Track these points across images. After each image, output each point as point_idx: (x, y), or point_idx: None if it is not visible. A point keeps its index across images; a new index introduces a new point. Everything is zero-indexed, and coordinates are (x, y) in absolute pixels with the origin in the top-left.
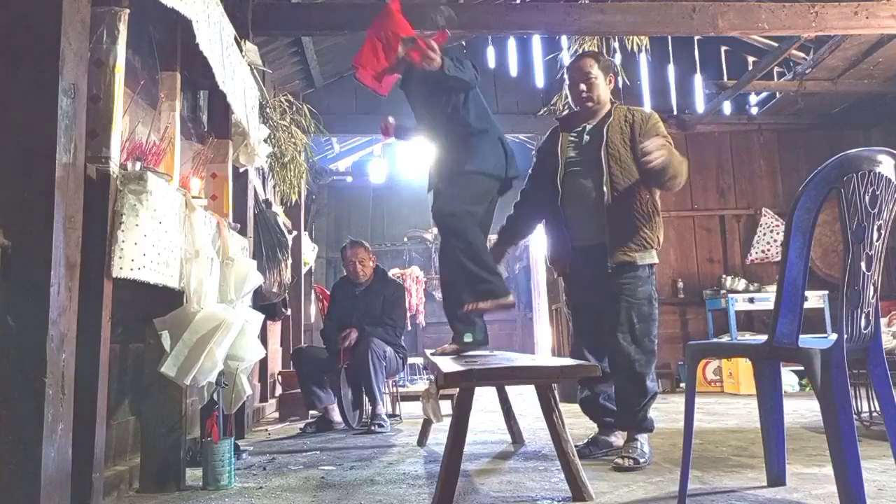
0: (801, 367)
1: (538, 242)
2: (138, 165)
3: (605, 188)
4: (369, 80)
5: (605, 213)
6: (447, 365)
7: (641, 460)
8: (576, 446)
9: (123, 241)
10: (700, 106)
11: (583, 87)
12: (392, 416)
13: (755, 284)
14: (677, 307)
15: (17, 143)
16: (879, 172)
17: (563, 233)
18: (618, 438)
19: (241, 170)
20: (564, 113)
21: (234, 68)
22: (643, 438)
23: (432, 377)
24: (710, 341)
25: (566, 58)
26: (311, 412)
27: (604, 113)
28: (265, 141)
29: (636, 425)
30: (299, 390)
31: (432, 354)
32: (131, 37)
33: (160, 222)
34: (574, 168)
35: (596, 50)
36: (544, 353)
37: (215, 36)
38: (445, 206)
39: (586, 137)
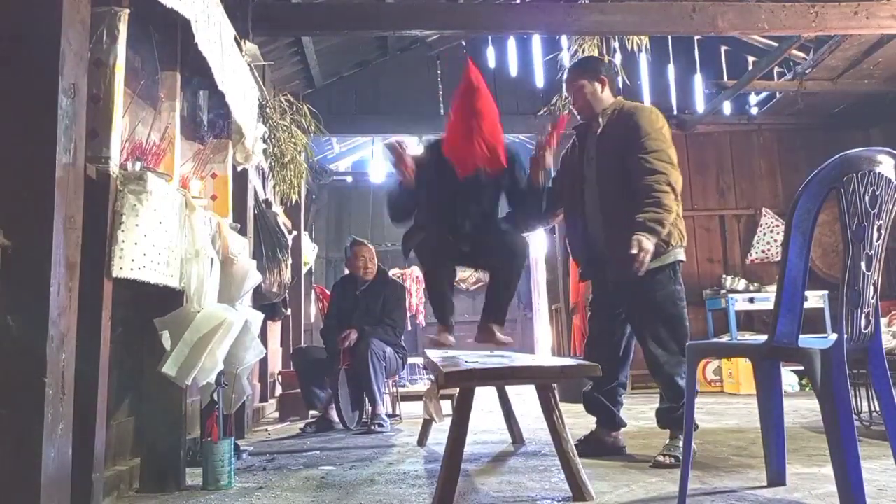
0: (801, 367)
1: (538, 243)
2: (138, 165)
3: (598, 204)
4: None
5: (601, 230)
6: (447, 365)
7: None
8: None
9: (123, 241)
10: (700, 106)
11: (574, 100)
12: (392, 416)
13: (755, 284)
14: None
15: (17, 143)
16: (879, 172)
17: (585, 242)
18: (614, 439)
19: (240, 168)
20: (580, 123)
21: (234, 68)
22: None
23: (433, 377)
24: (710, 341)
25: (566, 58)
26: (311, 412)
27: (601, 120)
28: (263, 139)
29: (675, 425)
30: (299, 390)
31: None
32: (131, 37)
33: (160, 222)
34: (589, 182)
35: (591, 55)
36: (544, 353)
37: (215, 36)
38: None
39: (590, 151)
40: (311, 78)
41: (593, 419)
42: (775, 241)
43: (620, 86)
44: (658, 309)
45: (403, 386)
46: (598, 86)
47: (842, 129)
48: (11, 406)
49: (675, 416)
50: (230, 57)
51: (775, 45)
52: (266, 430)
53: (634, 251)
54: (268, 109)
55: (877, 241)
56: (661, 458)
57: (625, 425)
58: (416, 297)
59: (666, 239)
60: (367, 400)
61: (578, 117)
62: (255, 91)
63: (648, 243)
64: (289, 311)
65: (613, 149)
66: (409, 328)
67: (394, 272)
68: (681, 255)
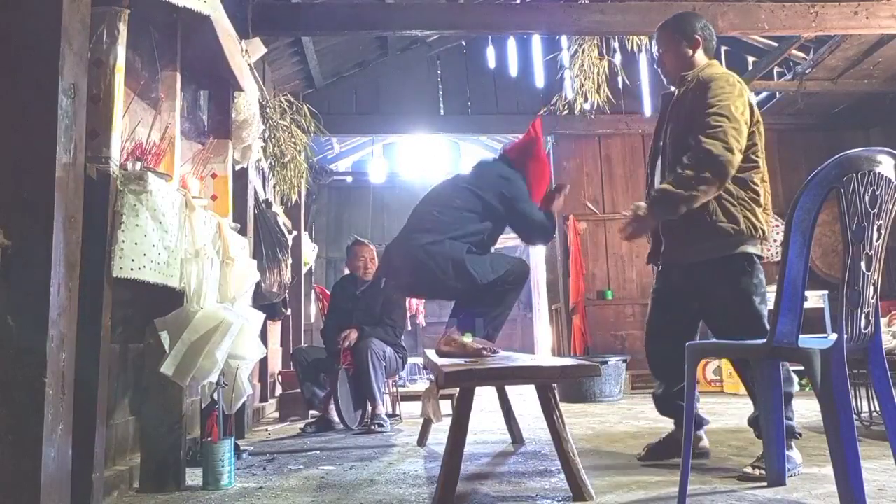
0: (801, 367)
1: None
2: (138, 165)
3: (662, 178)
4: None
5: None
6: (447, 365)
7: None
8: (648, 445)
9: (123, 241)
10: None
11: (660, 62)
12: (392, 416)
13: None
14: None
15: (17, 143)
16: (879, 172)
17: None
18: (698, 438)
19: (238, 167)
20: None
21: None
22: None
23: (432, 377)
24: (710, 341)
25: (566, 58)
26: (311, 412)
27: (680, 87)
28: (262, 139)
29: None
30: (299, 390)
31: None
32: (131, 37)
33: (160, 222)
34: (663, 154)
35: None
36: (544, 353)
37: (229, 31)
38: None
39: (668, 120)
40: (311, 78)
41: (592, 420)
42: (775, 241)
43: (620, 86)
44: (722, 306)
45: (403, 386)
46: (686, 47)
47: (842, 129)
48: (11, 406)
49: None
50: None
51: (775, 45)
52: (266, 430)
53: (627, 213)
54: (268, 109)
55: (877, 241)
56: (748, 470)
57: (707, 422)
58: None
59: (729, 231)
60: (367, 400)
61: (665, 81)
62: (256, 92)
63: (641, 211)
64: (289, 311)
65: (684, 118)
66: (409, 328)
67: None
68: (751, 248)
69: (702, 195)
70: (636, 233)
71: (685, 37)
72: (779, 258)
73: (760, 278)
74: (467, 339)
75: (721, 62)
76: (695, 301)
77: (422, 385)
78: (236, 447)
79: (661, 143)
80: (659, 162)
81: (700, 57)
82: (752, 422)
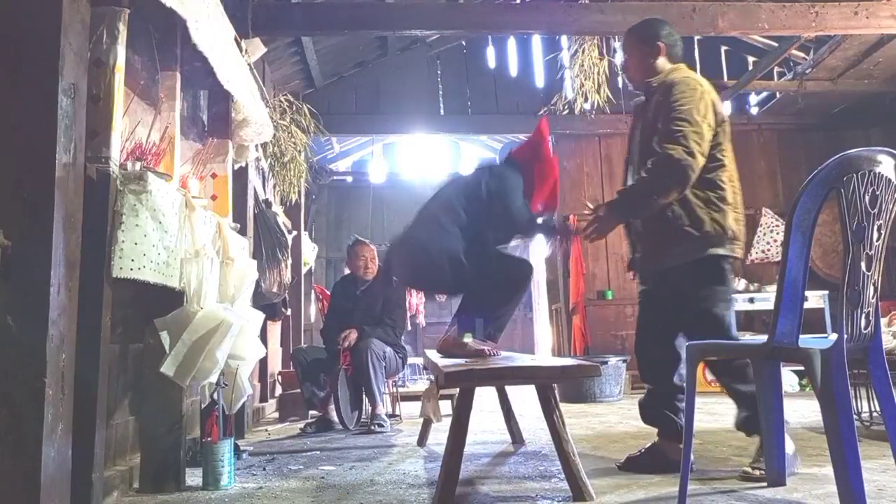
0: (801, 367)
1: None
2: (138, 165)
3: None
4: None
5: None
6: (447, 365)
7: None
8: (629, 456)
9: (123, 241)
10: None
11: (624, 69)
12: (392, 416)
13: (755, 284)
14: None
15: (17, 143)
16: (879, 172)
17: (627, 228)
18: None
19: (237, 167)
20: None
21: (237, 67)
22: None
23: (432, 377)
24: (710, 341)
25: (566, 58)
26: (311, 412)
27: (646, 94)
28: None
29: (753, 428)
30: (299, 390)
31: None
32: (131, 37)
33: (160, 222)
34: (633, 163)
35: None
36: (544, 353)
37: (217, 34)
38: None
39: (636, 129)
40: (311, 78)
41: (593, 420)
42: (775, 241)
43: (620, 86)
44: (695, 309)
45: (403, 386)
46: (648, 54)
47: (842, 129)
48: (11, 406)
49: (749, 415)
50: (231, 56)
51: (775, 45)
52: (266, 430)
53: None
54: (268, 109)
55: (877, 241)
56: (748, 470)
57: None
58: (415, 296)
59: (692, 237)
60: (366, 400)
61: (631, 87)
62: (257, 91)
63: (601, 213)
64: (289, 311)
65: (649, 125)
66: (409, 328)
67: None
68: (720, 249)
69: (661, 198)
70: (596, 233)
71: (646, 43)
72: (779, 258)
73: (728, 282)
74: (467, 339)
75: (721, 62)
76: (671, 304)
77: (422, 385)
78: (236, 447)
79: (632, 151)
80: (630, 170)
81: (663, 63)
82: (741, 424)
